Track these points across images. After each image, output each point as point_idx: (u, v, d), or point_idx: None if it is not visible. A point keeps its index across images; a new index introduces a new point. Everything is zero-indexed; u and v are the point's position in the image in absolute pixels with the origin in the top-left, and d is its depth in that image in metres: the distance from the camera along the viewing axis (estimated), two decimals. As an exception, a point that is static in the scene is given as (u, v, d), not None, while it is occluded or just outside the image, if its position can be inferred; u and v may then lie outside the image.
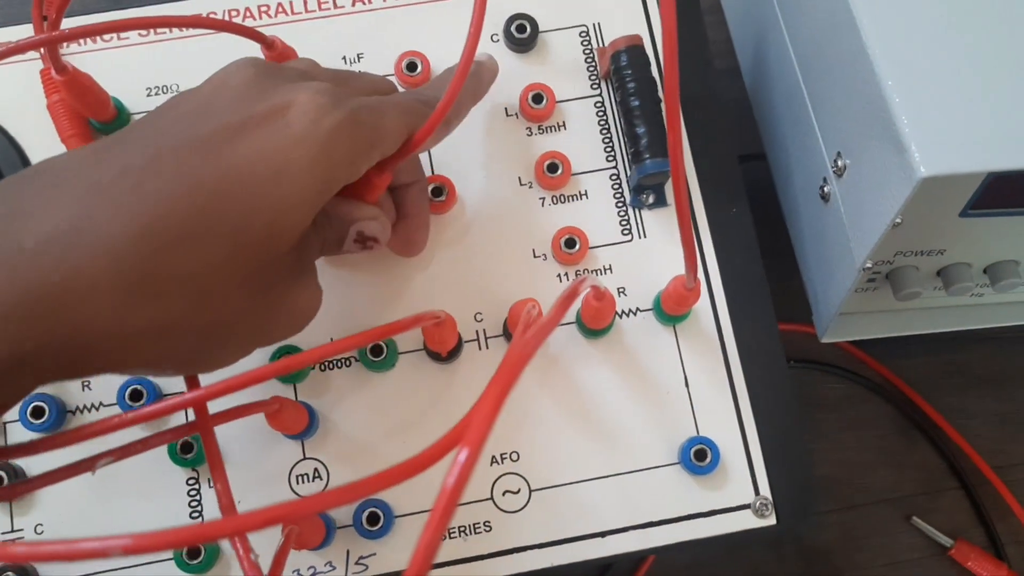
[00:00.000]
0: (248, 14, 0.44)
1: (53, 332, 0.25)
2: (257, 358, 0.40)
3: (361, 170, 0.32)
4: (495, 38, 0.45)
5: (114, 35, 0.43)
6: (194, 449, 0.39)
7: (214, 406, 0.35)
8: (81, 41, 0.43)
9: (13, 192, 0.27)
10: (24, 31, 0.44)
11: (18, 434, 0.40)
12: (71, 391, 0.40)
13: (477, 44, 0.33)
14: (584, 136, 0.44)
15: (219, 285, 0.28)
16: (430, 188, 0.42)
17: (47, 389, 0.40)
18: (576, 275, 0.42)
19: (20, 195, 0.27)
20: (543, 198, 0.43)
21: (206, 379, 0.37)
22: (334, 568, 0.39)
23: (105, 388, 0.40)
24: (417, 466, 0.22)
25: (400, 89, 0.40)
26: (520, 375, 0.24)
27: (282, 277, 0.31)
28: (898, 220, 0.37)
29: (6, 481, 0.38)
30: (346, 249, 0.35)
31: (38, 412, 0.39)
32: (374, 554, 0.39)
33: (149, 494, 0.39)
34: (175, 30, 0.43)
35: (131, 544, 0.19)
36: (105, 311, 0.26)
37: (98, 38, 0.43)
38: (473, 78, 0.39)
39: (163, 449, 0.39)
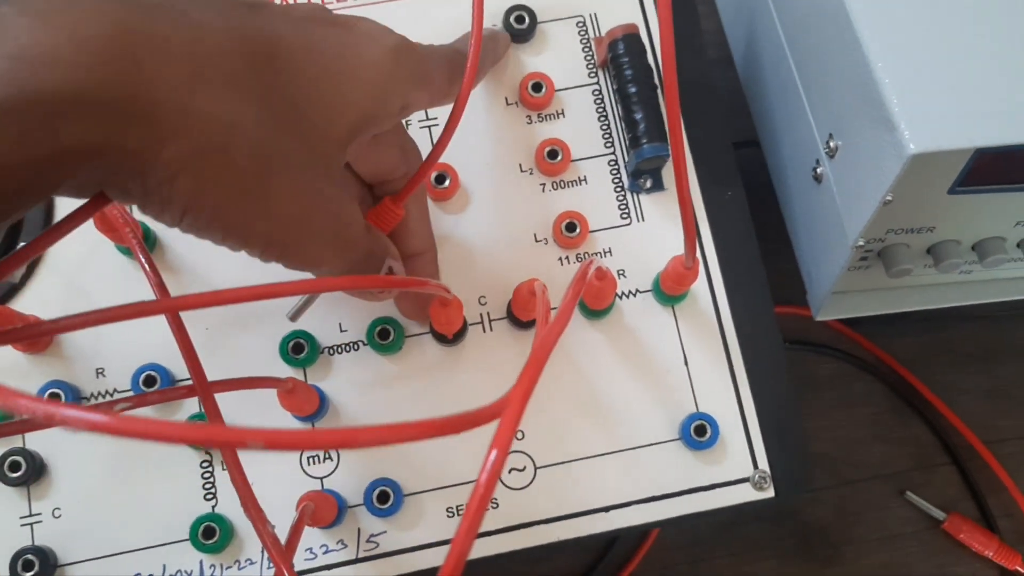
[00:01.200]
0: (253, 8, 0.45)
1: (125, 75, 0.24)
2: (268, 354, 0.41)
3: (415, 100, 0.34)
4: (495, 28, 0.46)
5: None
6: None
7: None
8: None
9: None
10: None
11: (34, 421, 0.41)
12: (85, 378, 0.41)
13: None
14: (583, 123, 0.45)
15: (285, 118, 0.29)
16: (433, 176, 0.43)
17: (64, 376, 0.41)
18: (577, 259, 0.43)
19: None
20: (543, 184, 0.44)
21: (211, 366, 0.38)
22: (346, 546, 0.40)
23: (119, 375, 0.41)
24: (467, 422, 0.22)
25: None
26: (545, 365, 0.25)
27: (334, 170, 0.32)
28: (889, 198, 0.38)
29: (24, 467, 0.39)
30: None
31: (54, 399, 0.40)
32: (384, 532, 0.40)
33: (164, 477, 0.40)
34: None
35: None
36: (178, 75, 0.25)
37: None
38: (491, 40, 0.42)
39: (177, 433, 0.40)
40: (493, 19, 0.45)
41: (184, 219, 0.28)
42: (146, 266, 0.36)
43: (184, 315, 0.36)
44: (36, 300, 0.42)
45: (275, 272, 0.32)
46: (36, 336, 0.31)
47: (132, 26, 0.25)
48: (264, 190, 0.28)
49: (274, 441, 0.19)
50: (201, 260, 0.42)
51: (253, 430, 0.19)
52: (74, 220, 0.29)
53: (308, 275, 0.33)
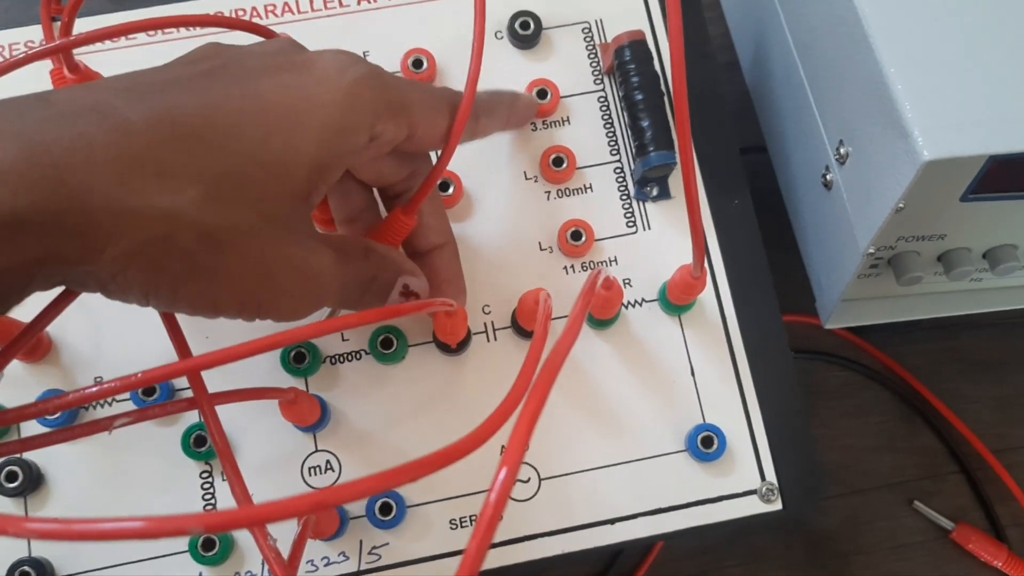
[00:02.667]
0: (255, 13, 0.45)
1: (52, 193, 0.24)
2: (270, 363, 0.41)
3: (383, 131, 0.32)
4: (499, 35, 0.45)
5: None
6: (207, 442, 0.39)
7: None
8: (88, 41, 0.44)
9: (45, 92, 0.27)
10: (31, 32, 0.44)
11: (31, 428, 0.40)
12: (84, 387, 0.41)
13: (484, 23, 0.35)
14: (588, 130, 0.44)
15: (230, 191, 0.28)
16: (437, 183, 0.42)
17: (63, 384, 0.40)
18: (583, 267, 0.43)
19: (50, 93, 0.27)
20: (548, 191, 0.44)
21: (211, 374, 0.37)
22: (347, 558, 0.40)
23: (118, 384, 0.41)
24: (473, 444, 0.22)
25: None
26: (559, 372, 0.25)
27: (296, 225, 0.31)
28: (901, 205, 0.37)
29: (22, 477, 0.39)
30: (389, 301, 0.36)
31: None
32: (387, 544, 0.40)
33: (163, 488, 0.40)
34: (182, 29, 0.44)
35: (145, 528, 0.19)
36: (106, 179, 0.25)
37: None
38: (509, 95, 0.41)
39: (177, 443, 0.39)
40: (498, 25, 0.45)
41: (149, 302, 0.29)
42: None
43: (183, 323, 0.36)
44: (33, 304, 0.41)
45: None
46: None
47: (52, 142, 0.25)
48: (219, 265, 0.29)
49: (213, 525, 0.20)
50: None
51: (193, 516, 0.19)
52: (46, 318, 0.32)
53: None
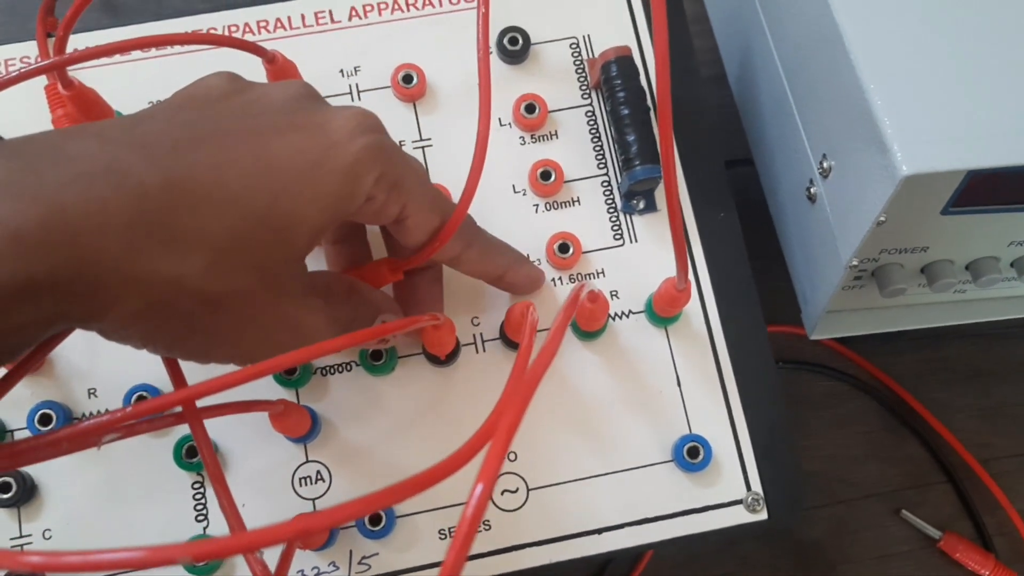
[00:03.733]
0: (248, 29, 0.45)
1: (66, 259, 0.25)
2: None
3: (376, 196, 0.33)
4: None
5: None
6: (199, 454, 0.40)
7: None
8: (83, 57, 0.44)
9: (60, 138, 0.28)
10: (26, 48, 0.45)
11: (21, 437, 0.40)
12: (77, 399, 0.41)
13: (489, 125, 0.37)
14: (576, 144, 0.45)
15: (234, 257, 0.29)
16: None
17: (57, 396, 0.41)
18: (570, 279, 0.43)
19: (65, 141, 0.27)
20: (537, 205, 0.44)
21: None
22: (337, 568, 0.40)
23: (111, 396, 0.41)
24: (446, 470, 0.23)
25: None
26: (537, 388, 0.26)
27: (292, 285, 0.32)
28: (882, 218, 0.38)
29: (15, 488, 0.39)
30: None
31: (45, 420, 0.40)
32: (376, 554, 0.40)
33: (155, 499, 0.40)
34: (178, 46, 0.44)
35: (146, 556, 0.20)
36: (118, 246, 0.26)
37: (100, 54, 0.44)
38: (515, 257, 0.42)
39: (169, 454, 0.40)
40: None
41: (145, 349, 0.30)
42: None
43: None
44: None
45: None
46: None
47: (69, 206, 0.25)
48: (218, 326, 0.30)
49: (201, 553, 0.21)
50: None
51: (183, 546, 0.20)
52: (48, 346, 0.34)
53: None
